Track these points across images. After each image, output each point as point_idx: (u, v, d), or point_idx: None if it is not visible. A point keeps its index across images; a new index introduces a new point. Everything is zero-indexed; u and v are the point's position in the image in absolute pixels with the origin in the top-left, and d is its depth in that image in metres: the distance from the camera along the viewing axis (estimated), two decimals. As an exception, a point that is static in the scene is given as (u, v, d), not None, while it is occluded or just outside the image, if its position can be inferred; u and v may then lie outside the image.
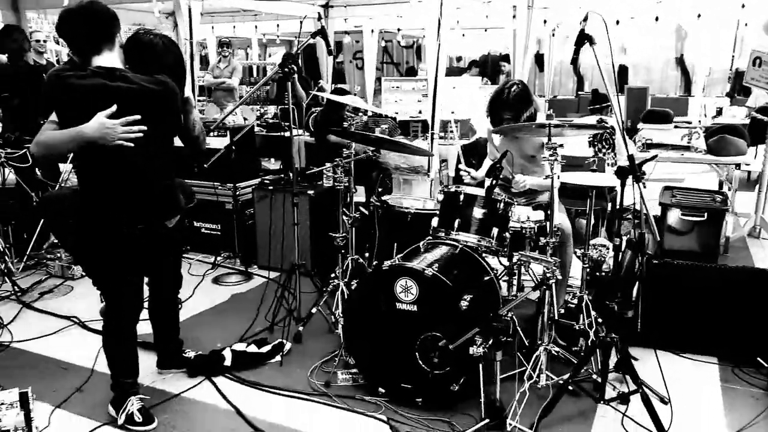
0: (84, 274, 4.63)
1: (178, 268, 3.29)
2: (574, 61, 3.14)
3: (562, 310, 3.71)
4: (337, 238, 3.92)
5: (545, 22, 7.86)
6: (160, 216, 2.88)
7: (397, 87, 7.19)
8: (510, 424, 2.79)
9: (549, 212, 3.21)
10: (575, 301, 3.65)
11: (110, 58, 2.65)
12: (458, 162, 5.95)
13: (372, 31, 9.99)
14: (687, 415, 2.95)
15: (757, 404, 3.08)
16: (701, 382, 3.30)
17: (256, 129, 6.33)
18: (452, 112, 6.66)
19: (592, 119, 5.62)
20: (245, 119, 7.16)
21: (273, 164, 6.34)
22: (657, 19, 7.82)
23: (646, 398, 2.73)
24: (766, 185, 5.46)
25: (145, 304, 3.16)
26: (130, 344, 2.99)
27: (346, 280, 3.91)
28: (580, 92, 12.56)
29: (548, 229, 3.21)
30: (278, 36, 13.18)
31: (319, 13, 4.31)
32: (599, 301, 3.67)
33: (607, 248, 4.05)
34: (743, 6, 7.27)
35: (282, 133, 6.54)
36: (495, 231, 3.28)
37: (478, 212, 3.31)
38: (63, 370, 3.45)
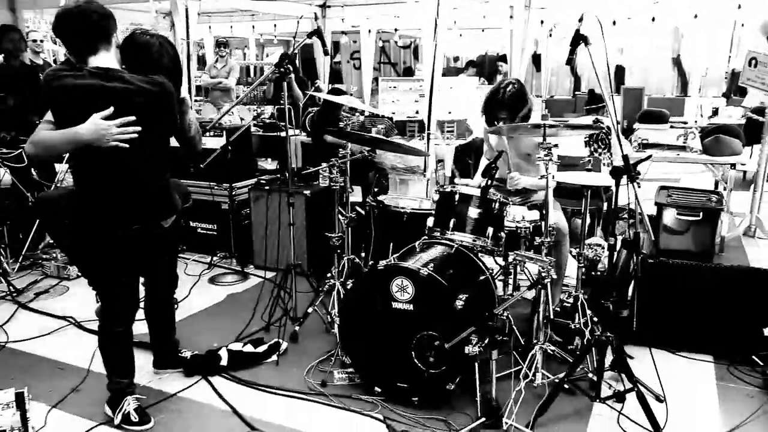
0: (80, 274, 4.63)
1: (173, 268, 3.29)
2: (569, 62, 3.15)
3: (558, 309, 3.72)
4: (333, 238, 3.92)
5: (542, 22, 7.87)
6: (156, 216, 2.88)
7: (394, 87, 7.18)
8: (506, 423, 2.80)
9: (544, 212, 3.22)
10: (571, 300, 3.66)
11: (107, 58, 2.65)
12: (453, 175, 5.98)
13: (369, 31, 9.97)
14: (682, 413, 2.96)
15: (753, 402, 3.09)
16: (697, 381, 3.31)
17: (253, 129, 6.32)
18: (449, 112, 6.67)
19: (588, 119, 5.65)
20: (242, 119, 7.15)
21: (270, 164, 6.34)
22: (653, 19, 7.84)
23: (642, 396, 2.74)
24: (761, 185, 5.48)
25: (141, 304, 3.16)
26: (126, 344, 2.99)
27: (342, 279, 3.92)
28: (576, 92, 12.59)
29: (543, 229, 3.21)
30: (275, 36, 13.19)
31: (315, 13, 4.32)
32: (595, 300, 3.67)
33: (603, 248, 4.06)
34: (739, 6, 7.28)
35: (279, 133, 6.55)
36: (490, 230, 3.29)
37: (473, 212, 3.33)
38: (59, 370, 3.45)
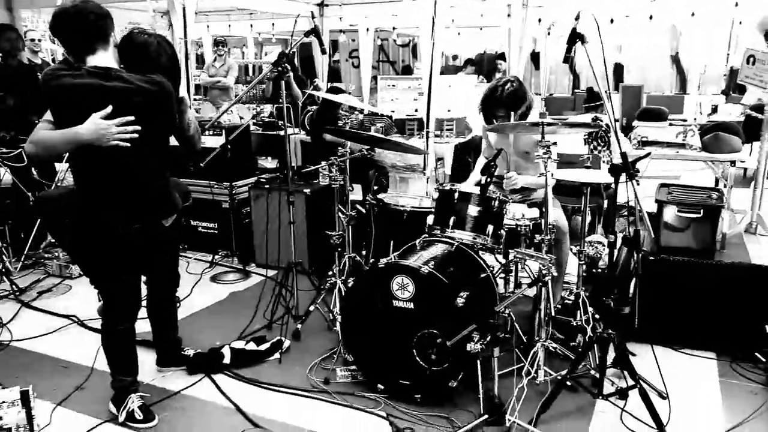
0: (82, 273, 4.63)
1: (175, 267, 3.29)
2: (566, 60, 3.15)
3: (559, 306, 3.73)
4: (333, 236, 3.92)
5: (540, 20, 7.87)
6: (156, 215, 2.88)
7: (393, 85, 7.19)
8: (509, 420, 2.81)
9: (544, 209, 3.23)
10: (572, 297, 3.67)
11: (105, 58, 2.65)
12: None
13: (367, 29, 9.97)
14: (685, 410, 2.97)
15: (756, 399, 3.10)
16: (699, 377, 3.32)
17: (253, 128, 6.33)
18: (448, 111, 6.68)
19: (587, 117, 5.65)
20: (241, 118, 7.15)
21: (270, 163, 6.35)
22: (651, 17, 7.85)
23: (644, 393, 2.75)
24: (761, 182, 5.49)
25: (144, 303, 3.17)
26: (129, 343, 3.00)
27: (343, 278, 3.92)
28: (576, 90, 12.59)
29: (543, 227, 3.22)
30: (274, 35, 13.16)
31: (312, 12, 4.31)
32: (596, 297, 3.69)
33: (603, 245, 4.08)
34: (737, 4, 7.29)
35: (278, 132, 6.56)
36: (490, 228, 3.30)
37: (473, 210, 3.33)
38: (63, 369, 3.45)
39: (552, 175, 3.20)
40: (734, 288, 3.48)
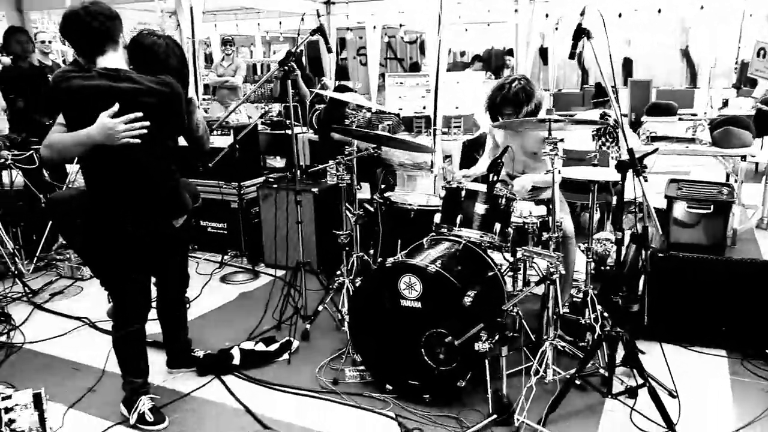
0: (92, 274, 4.67)
1: (184, 268, 3.32)
2: (572, 56, 3.13)
3: (568, 305, 3.71)
4: (341, 235, 3.93)
5: (547, 15, 7.84)
6: (167, 216, 2.90)
7: (401, 83, 7.17)
8: (517, 420, 2.81)
9: (551, 207, 3.21)
10: (581, 295, 3.65)
11: (114, 59, 2.67)
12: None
13: (374, 27, 9.96)
14: (696, 408, 2.96)
15: (767, 397, 3.08)
16: (709, 375, 3.31)
17: (261, 127, 6.34)
18: (456, 107, 6.66)
19: (595, 112, 5.62)
20: (249, 117, 7.17)
21: (279, 162, 6.36)
22: (660, 11, 7.79)
23: (654, 392, 2.74)
24: (773, 176, 5.45)
25: (154, 304, 3.19)
26: (140, 344, 3.02)
27: (351, 277, 3.93)
28: (585, 85, 12.52)
29: (551, 224, 3.21)
30: (281, 33, 13.18)
31: (317, 10, 4.31)
32: (605, 295, 3.67)
33: (612, 242, 4.05)
34: (746, -3, 7.23)
35: (286, 131, 6.56)
36: (497, 226, 3.28)
37: (480, 208, 3.31)
38: (75, 371, 3.49)
39: (559, 172, 3.18)
40: (745, 284, 3.45)
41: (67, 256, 5.09)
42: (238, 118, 6.41)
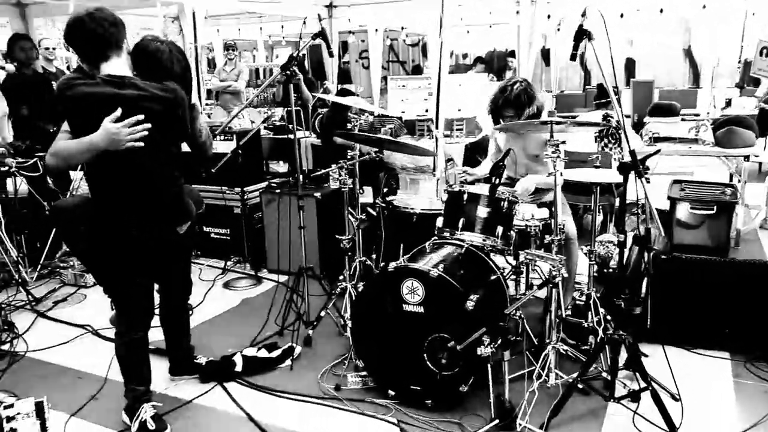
0: (95, 281, 4.68)
1: (187, 274, 3.32)
2: (573, 57, 3.13)
3: (570, 308, 3.70)
4: (343, 240, 3.93)
5: (549, 16, 7.82)
6: (171, 222, 2.91)
7: (403, 86, 7.17)
8: (520, 424, 2.80)
9: (553, 209, 3.20)
10: (583, 298, 3.64)
11: (118, 65, 2.68)
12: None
13: (376, 30, 9.96)
14: (698, 412, 2.95)
15: (770, 399, 3.07)
16: (713, 378, 3.29)
17: (264, 132, 6.35)
18: (459, 110, 6.66)
19: (597, 113, 5.60)
20: (252, 122, 7.19)
21: (282, 167, 6.37)
22: (662, 11, 7.76)
23: (657, 396, 2.73)
24: (776, 176, 5.41)
25: (157, 311, 3.20)
26: (142, 352, 3.02)
27: (353, 282, 3.93)
28: (587, 86, 12.49)
29: (553, 227, 3.20)
30: (284, 37, 13.21)
31: (319, 14, 4.31)
32: (608, 298, 3.65)
33: (615, 244, 4.03)
34: (748, -5, 7.20)
35: (289, 136, 6.57)
36: (500, 230, 3.28)
37: (482, 211, 3.31)
38: (77, 379, 3.49)
39: (561, 174, 3.18)
40: (749, 286, 3.43)
41: (71, 263, 5.11)
42: (241, 123, 6.43)
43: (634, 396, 2.90)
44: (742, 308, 3.44)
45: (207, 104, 9.26)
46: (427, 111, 6.70)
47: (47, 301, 4.62)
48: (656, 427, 2.79)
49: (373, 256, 4.07)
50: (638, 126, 6.21)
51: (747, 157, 5.09)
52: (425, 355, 2.97)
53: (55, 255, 5.32)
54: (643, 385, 2.80)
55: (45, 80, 5.60)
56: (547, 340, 3.19)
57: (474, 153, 6.21)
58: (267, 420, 3.01)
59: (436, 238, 3.41)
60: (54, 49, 6.07)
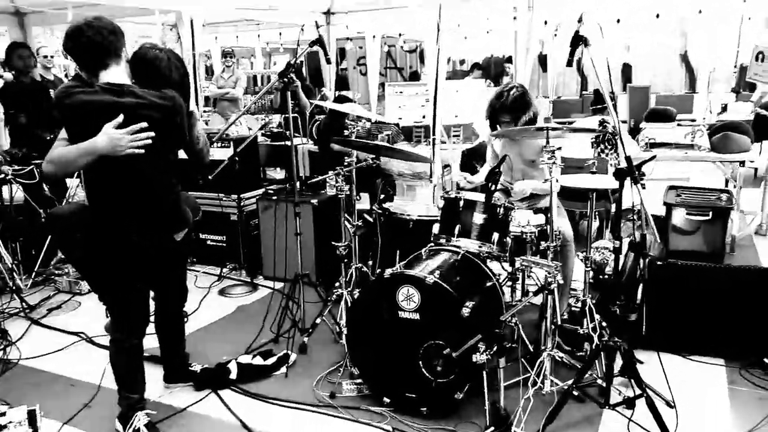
0: (90, 289, 4.67)
1: (183, 282, 3.32)
2: (570, 63, 3.13)
3: (566, 315, 3.70)
4: (339, 247, 3.92)
5: (546, 22, 7.85)
6: (168, 230, 2.91)
7: (400, 92, 7.18)
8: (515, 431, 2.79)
9: (549, 215, 3.20)
10: (579, 305, 3.63)
11: (117, 73, 2.68)
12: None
13: (374, 36, 9.98)
14: (693, 419, 2.94)
15: (765, 406, 3.05)
16: (708, 385, 3.28)
17: (261, 139, 6.35)
18: (456, 116, 6.67)
19: (594, 119, 5.59)
20: (250, 129, 7.19)
21: (279, 173, 6.36)
22: (658, 16, 7.79)
23: (652, 403, 2.72)
24: (772, 182, 5.42)
25: (152, 318, 3.19)
26: (137, 359, 3.01)
27: (349, 289, 3.92)
28: (584, 92, 12.52)
29: (549, 233, 3.20)
30: (282, 44, 13.24)
31: (316, 21, 4.32)
32: (603, 304, 3.65)
33: (610, 251, 4.03)
34: (744, 0, 7.22)
35: (286, 143, 6.56)
36: (496, 236, 3.27)
37: (478, 218, 3.31)
38: (70, 387, 3.48)
39: (557, 180, 3.18)
40: (744, 292, 3.43)
41: (66, 270, 5.10)
42: (238, 129, 6.43)
43: (629, 403, 2.89)
44: (738, 315, 3.43)
45: (204, 111, 9.27)
46: (424, 117, 6.71)
47: (41, 309, 4.60)
48: (651, 434, 2.78)
49: (370, 262, 4.06)
50: (635, 131, 6.23)
51: (742, 163, 5.10)
52: (421, 362, 2.96)
53: (50, 262, 5.32)
54: (638, 392, 2.79)
55: (43, 88, 5.61)
56: (543, 347, 3.18)
57: (471, 159, 6.21)
58: (261, 428, 3.00)
59: (432, 244, 3.41)
60: (52, 57, 6.09)
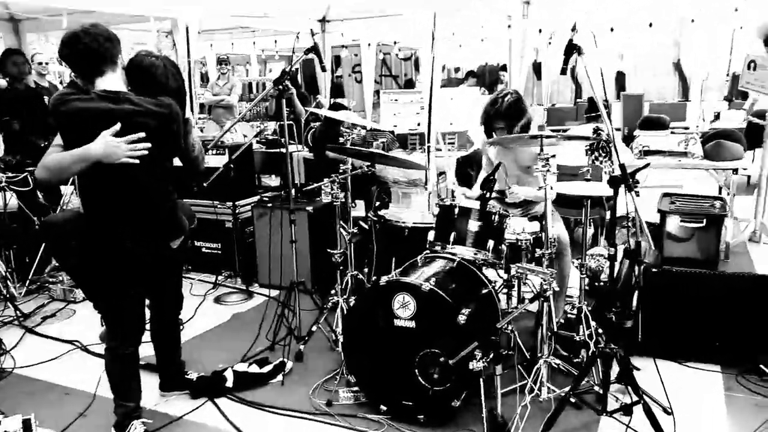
0: (85, 297, 4.65)
1: (179, 289, 3.31)
2: (564, 72, 3.16)
3: (562, 321, 3.70)
4: (335, 254, 3.92)
5: (540, 30, 7.90)
6: (165, 238, 2.91)
7: (395, 100, 7.20)
8: (512, 439, 2.79)
9: (544, 223, 3.21)
10: (575, 312, 3.64)
11: (113, 80, 2.68)
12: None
13: (369, 44, 10.02)
14: (690, 425, 2.94)
15: (761, 412, 3.06)
16: (704, 391, 3.29)
17: (256, 146, 6.35)
18: (450, 124, 6.68)
19: (588, 127, 5.63)
20: (245, 136, 7.19)
21: (274, 181, 6.35)
22: (651, 25, 7.85)
23: (648, 409, 2.72)
24: (764, 189, 5.45)
25: (147, 326, 3.17)
26: (133, 367, 2.99)
27: (345, 296, 3.92)
28: (578, 100, 12.59)
29: (544, 240, 3.21)
30: (277, 51, 13.27)
31: (311, 29, 4.34)
32: (599, 311, 3.66)
33: (606, 258, 4.05)
34: (736, 9, 7.29)
35: (281, 150, 6.57)
36: (491, 243, 3.28)
37: (473, 225, 3.31)
38: (65, 396, 3.45)
39: (551, 188, 3.19)
40: (739, 298, 3.44)
41: (60, 278, 5.07)
42: (234, 137, 6.43)
43: (627, 409, 2.89)
44: (733, 321, 3.45)
45: (200, 118, 9.27)
46: (419, 125, 6.72)
47: (36, 317, 4.57)
48: (648, 441, 2.78)
49: (365, 270, 4.06)
50: (628, 139, 6.26)
51: (735, 170, 5.14)
52: (417, 370, 2.95)
53: (44, 270, 5.29)
54: (635, 398, 2.80)
55: (37, 95, 5.59)
56: (539, 354, 3.19)
57: (466, 167, 6.23)
58: (258, 436, 2.99)
59: (427, 251, 3.41)
60: (47, 63, 6.07)
